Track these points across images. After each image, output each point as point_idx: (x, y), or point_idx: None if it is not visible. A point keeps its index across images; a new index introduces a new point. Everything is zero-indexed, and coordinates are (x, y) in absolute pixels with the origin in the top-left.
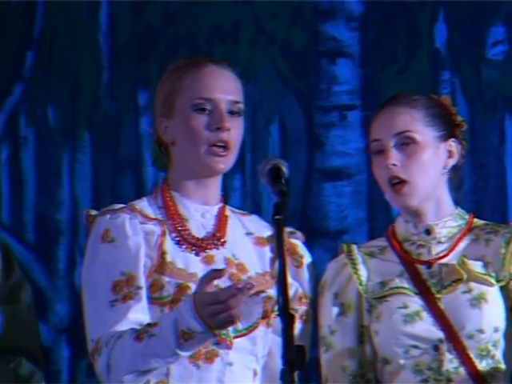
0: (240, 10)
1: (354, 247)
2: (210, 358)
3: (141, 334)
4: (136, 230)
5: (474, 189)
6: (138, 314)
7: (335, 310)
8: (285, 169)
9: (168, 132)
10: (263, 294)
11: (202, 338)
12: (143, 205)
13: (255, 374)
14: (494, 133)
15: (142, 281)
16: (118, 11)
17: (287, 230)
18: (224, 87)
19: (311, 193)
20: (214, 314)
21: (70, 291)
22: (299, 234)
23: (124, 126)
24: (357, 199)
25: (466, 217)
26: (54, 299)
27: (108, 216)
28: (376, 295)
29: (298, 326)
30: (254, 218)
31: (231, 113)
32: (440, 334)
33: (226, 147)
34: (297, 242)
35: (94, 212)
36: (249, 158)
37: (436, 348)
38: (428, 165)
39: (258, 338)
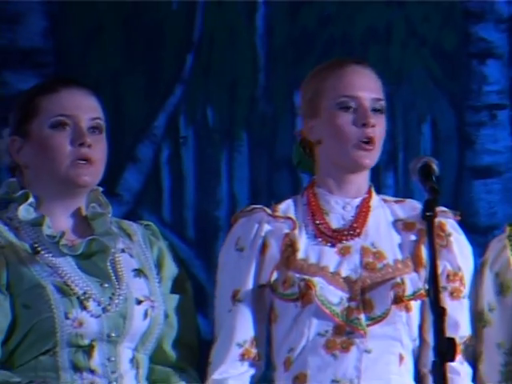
0: (393, 11)
1: None
2: (346, 347)
3: None
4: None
5: None
6: None
7: (495, 288)
8: (436, 167)
9: (314, 131)
10: (394, 280)
11: None
12: (285, 205)
13: (401, 358)
14: None
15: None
16: (275, 14)
17: (439, 209)
18: (367, 85)
19: (462, 190)
20: None
21: None
22: (451, 213)
23: (280, 126)
24: (506, 196)
25: None
26: (213, 294)
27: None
28: None
29: (448, 303)
30: (407, 203)
31: (374, 110)
32: None
33: (370, 143)
34: (445, 221)
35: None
36: (401, 157)
37: None
38: None
39: (397, 323)
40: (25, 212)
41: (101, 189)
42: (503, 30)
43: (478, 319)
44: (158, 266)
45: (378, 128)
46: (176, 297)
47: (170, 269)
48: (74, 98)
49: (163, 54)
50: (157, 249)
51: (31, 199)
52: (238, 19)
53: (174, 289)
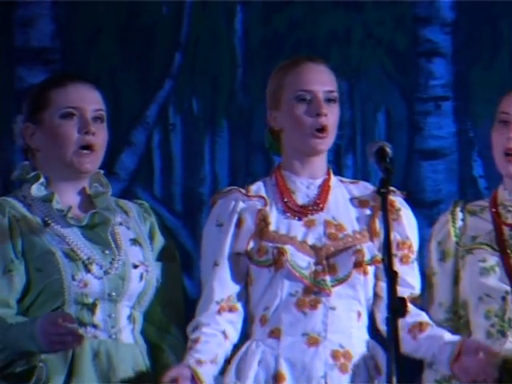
0: (352, 16)
1: (459, 206)
2: (314, 305)
3: None
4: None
5: None
6: None
7: (438, 256)
8: (389, 150)
9: (277, 121)
10: (355, 248)
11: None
12: (257, 186)
13: (359, 315)
14: None
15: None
16: (250, 19)
17: (390, 188)
18: (320, 80)
19: (411, 170)
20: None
21: None
22: (399, 192)
23: (255, 115)
24: (450, 175)
25: None
26: (197, 259)
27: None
28: (466, 247)
29: (399, 268)
30: (361, 184)
31: (328, 100)
32: (507, 288)
33: (324, 130)
34: (395, 198)
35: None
36: (359, 141)
37: (503, 298)
38: None
39: (357, 284)
40: (37, 190)
41: (102, 171)
42: (447, 33)
43: (425, 282)
44: (150, 237)
45: (331, 116)
46: (165, 264)
47: (160, 240)
48: (80, 92)
49: (154, 53)
50: (149, 223)
51: (42, 179)
52: (219, 23)
53: (164, 257)
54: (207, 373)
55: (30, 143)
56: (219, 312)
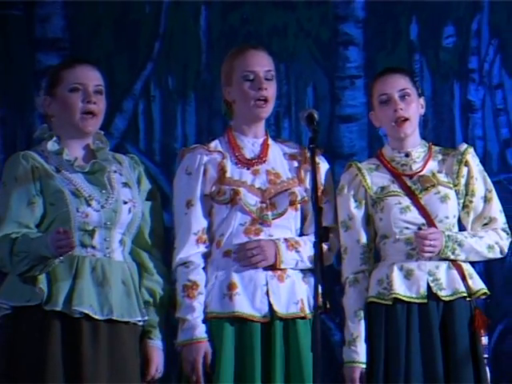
0: (288, 15)
1: (360, 164)
2: (257, 233)
3: None
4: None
5: (433, 127)
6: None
7: (353, 204)
8: (316, 116)
9: (230, 95)
10: (289, 191)
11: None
12: (215, 143)
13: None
14: (447, 93)
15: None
16: (212, 16)
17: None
18: (260, 62)
19: (332, 130)
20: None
21: None
22: (318, 150)
23: (216, 89)
24: (361, 135)
25: (427, 145)
26: (172, 198)
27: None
28: (378, 195)
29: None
30: (290, 143)
31: (266, 79)
32: (422, 220)
33: (265, 101)
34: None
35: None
36: (293, 109)
37: (420, 228)
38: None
39: (290, 218)
40: (51, 146)
41: (102, 132)
42: (359, 28)
43: (342, 226)
44: (138, 182)
45: (270, 90)
46: (149, 203)
47: (146, 184)
48: (84, 72)
49: (139, 42)
50: (137, 172)
51: (55, 138)
52: (188, 19)
53: (148, 197)
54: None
55: (47, 111)
56: (197, 242)
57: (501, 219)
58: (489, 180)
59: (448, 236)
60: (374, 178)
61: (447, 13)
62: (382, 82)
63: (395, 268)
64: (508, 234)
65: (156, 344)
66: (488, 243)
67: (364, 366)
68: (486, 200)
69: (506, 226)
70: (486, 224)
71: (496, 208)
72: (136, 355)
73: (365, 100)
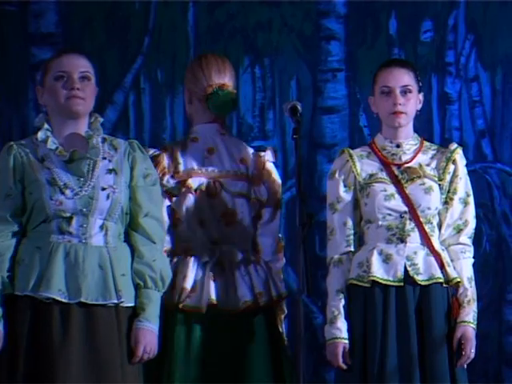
0: (273, 11)
1: (352, 151)
2: None
3: None
4: None
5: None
6: None
7: (342, 188)
8: (299, 107)
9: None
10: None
11: None
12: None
13: None
14: (425, 85)
15: None
16: (199, 12)
17: (269, 148)
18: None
19: (315, 122)
20: None
21: None
22: (269, 148)
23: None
24: (342, 126)
25: (419, 139)
26: None
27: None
28: (366, 181)
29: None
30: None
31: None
32: (405, 208)
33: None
34: (263, 153)
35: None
36: (277, 101)
37: (402, 216)
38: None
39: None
40: (40, 134)
41: (101, 120)
42: (341, 23)
43: (330, 208)
44: (131, 167)
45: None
46: (144, 186)
47: (140, 169)
48: (69, 60)
49: (130, 37)
50: (131, 157)
51: (46, 126)
52: (177, 15)
53: (143, 181)
54: None
55: (41, 101)
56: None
57: (472, 225)
58: (470, 185)
59: (473, 316)
60: (364, 165)
61: (425, 9)
62: (386, 74)
63: (375, 252)
64: (471, 241)
65: (143, 325)
66: (470, 275)
67: (346, 341)
68: (464, 202)
69: (473, 232)
70: (459, 228)
71: (472, 212)
72: (118, 337)
73: (346, 92)
